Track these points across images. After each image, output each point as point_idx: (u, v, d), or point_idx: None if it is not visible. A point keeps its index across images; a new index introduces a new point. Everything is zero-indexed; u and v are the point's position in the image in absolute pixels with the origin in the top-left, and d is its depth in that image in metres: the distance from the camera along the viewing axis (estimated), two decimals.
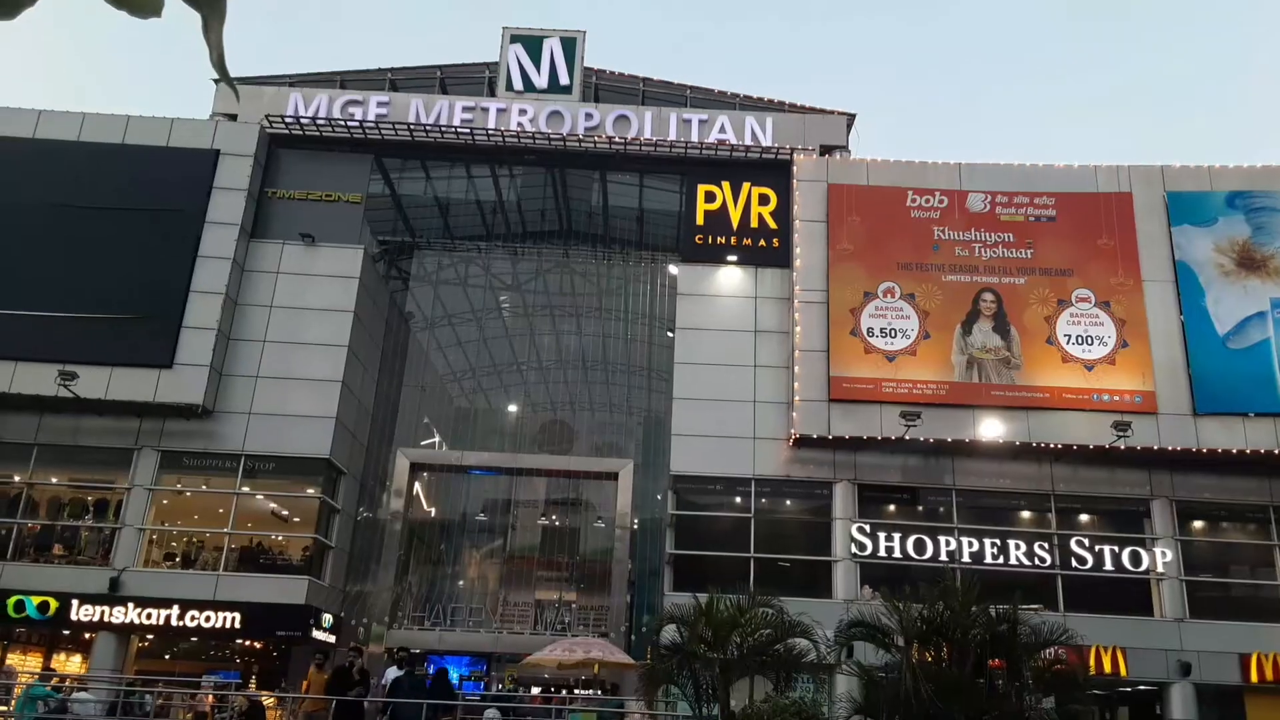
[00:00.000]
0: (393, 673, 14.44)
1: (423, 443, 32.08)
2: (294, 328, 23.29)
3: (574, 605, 28.77)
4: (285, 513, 23.76)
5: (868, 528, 22.31)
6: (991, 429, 22.19)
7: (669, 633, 14.36)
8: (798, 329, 23.17)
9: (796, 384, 22.70)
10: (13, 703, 17.30)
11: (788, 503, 23.91)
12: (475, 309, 36.36)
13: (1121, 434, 21.40)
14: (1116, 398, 22.34)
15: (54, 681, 18.48)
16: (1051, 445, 21.95)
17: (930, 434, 21.84)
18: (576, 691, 21.36)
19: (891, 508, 23.38)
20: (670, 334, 26.24)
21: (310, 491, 23.01)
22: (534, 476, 32.03)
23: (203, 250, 23.17)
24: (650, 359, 36.36)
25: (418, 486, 28.96)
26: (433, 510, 31.27)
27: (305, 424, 22.50)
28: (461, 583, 30.78)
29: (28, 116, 24.14)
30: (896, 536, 22.24)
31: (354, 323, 23.83)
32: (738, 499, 23.22)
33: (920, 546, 22.13)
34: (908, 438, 21.66)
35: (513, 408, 39.79)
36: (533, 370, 40.92)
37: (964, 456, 22.57)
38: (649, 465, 32.39)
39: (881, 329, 23.06)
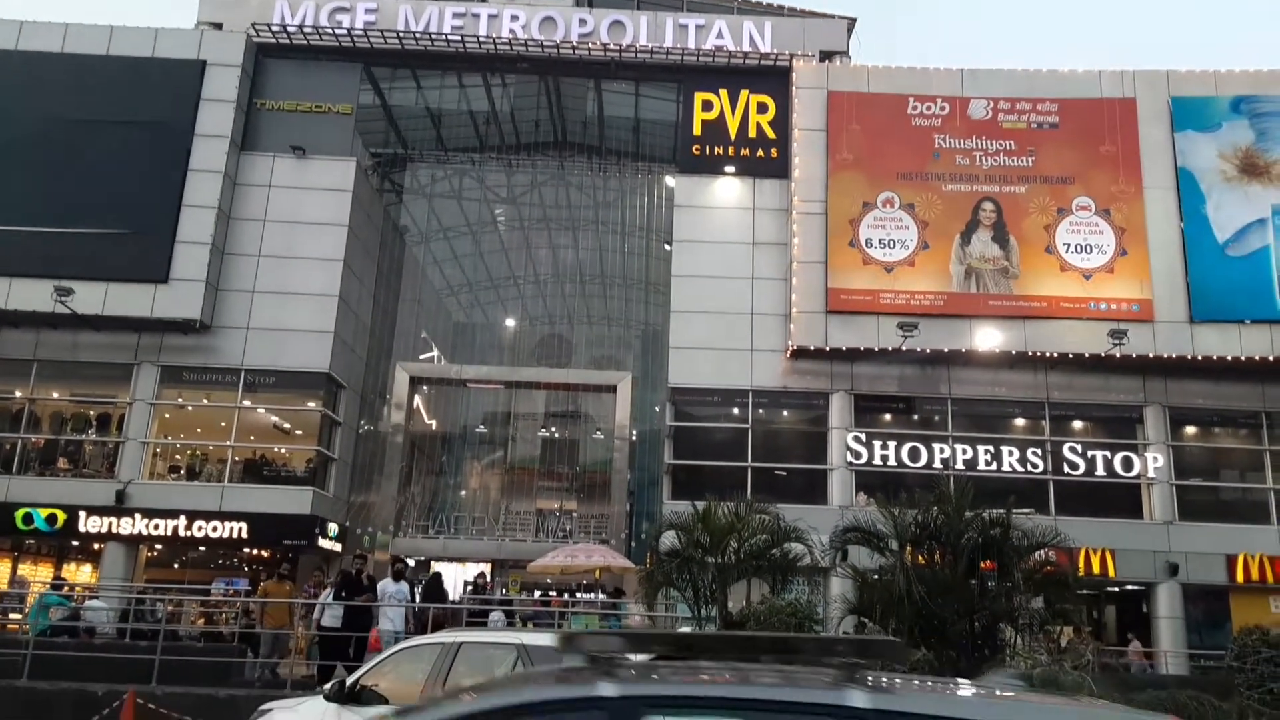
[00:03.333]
0: (388, 585, 14.73)
1: (421, 357, 32.20)
2: (288, 242, 23.13)
3: (574, 514, 29.31)
4: (287, 426, 24.00)
5: (863, 437, 22.59)
6: (988, 339, 22.29)
7: (668, 539, 14.67)
8: (796, 240, 23.04)
9: (794, 296, 22.69)
10: (26, 611, 17.74)
11: (785, 413, 24.14)
12: (470, 223, 36.06)
13: (1117, 342, 21.52)
14: (1113, 306, 22.39)
15: (65, 590, 18.91)
16: (1047, 354, 22.08)
17: (927, 344, 21.94)
18: (579, 595, 21.91)
19: (887, 417, 23.64)
20: (667, 246, 26.09)
21: (311, 405, 23.20)
22: (533, 390, 32.22)
23: (193, 164, 22.85)
24: (647, 272, 36.22)
25: (418, 400, 29.17)
26: (433, 423, 31.57)
27: (303, 338, 22.54)
28: (464, 493, 31.29)
29: (9, 28, 23.53)
30: (892, 445, 22.54)
31: (348, 237, 23.65)
32: (735, 410, 23.44)
33: (915, 454, 22.45)
34: (904, 348, 21.76)
35: (510, 322, 39.81)
36: (530, 284, 40.79)
37: (960, 366, 22.72)
38: (647, 378, 32.60)
39: (880, 240, 22.95)
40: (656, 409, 29.26)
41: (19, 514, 20.92)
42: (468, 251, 37.76)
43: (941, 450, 22.49)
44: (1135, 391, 22.74)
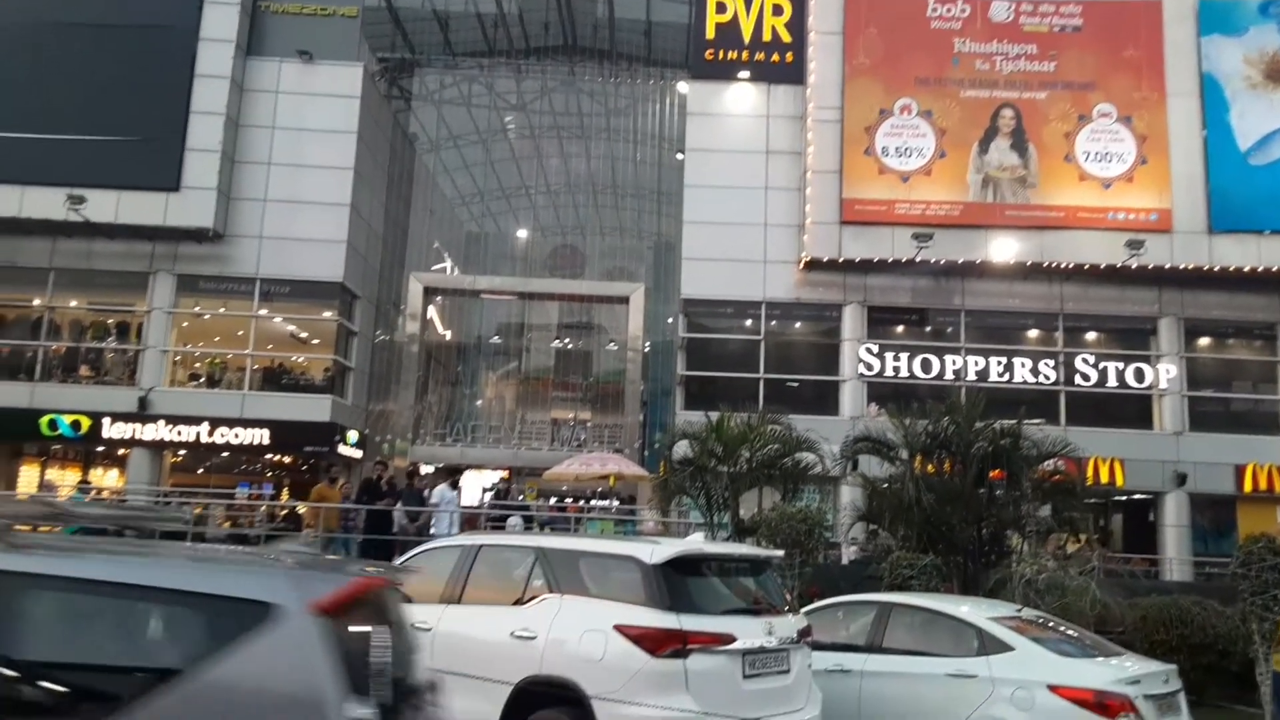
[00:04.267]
0: (445, 491, 14.99)
1: (434, 267, 32.20)
2: (298, 150, 22.92)
3: (589, 424, 29.70)
4: (304, 335, 24.22)
5: (876, 348, 22.65)
6: (1004, 249, 22.12)
7: (681, 448, 14.89)
8: (810, 149, 22.70)
9: (808, 206, 22.47)
10: None
11: (797, 325, 24.17)
12: (480, 130, 35.55)
13: (1135, 252, 21.34)
14: (1132, 216, 22.12)
15: (93, 494, 19.41)
16: (1063, 265, 21.93)
17: (942, 255, 21.79)
18: (594, 502, 22.38)
19: (900, 329, 23.65)
20: (680, 156, 25.75)
21: (326, 315, 23.36)
22: (546, 301, 32.28)
23: (199, 69, 22.51)
24: (660, 182, 35.83)
25: (432, 310, 29.29)
26: (448, 333, 31.76)
27: (316, 248, 22.53)
28: (480, 402, 31.69)
29: None
30: (904, 357, 22.61)
31: (358, 144, 23.41)
32: (748, 322, 23.47)
33: (927, 366, 22.54)
34: (919, 259, 21.63)
35: (522, 232, 39.60)
36: (541, 194, 40.44)
37: (974, 277, 22.61)
38: (660, 289, 32.57)
39: (896, 148, 22.59)
40: (669, 320, 29.32)
41: (44, 420, 21.33)
42: (478, 160, 37.33)
43: (954, 362, 22.57)
44: (1150, 303, 22.65)
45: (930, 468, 13.31)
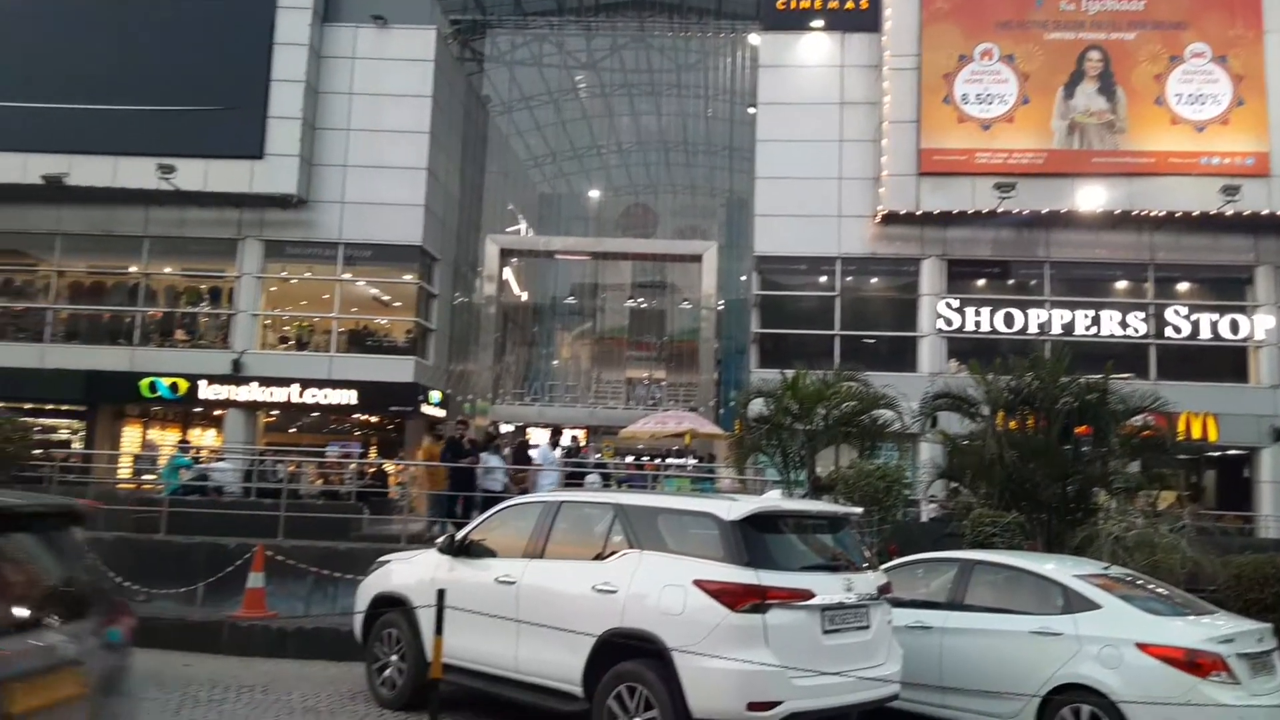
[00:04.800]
0: (547, 451, 15.20)
1: (509, 229, 32.55)
2: (375, 115, 23.29)
3: (663, 382, 29.89)
4: (386, 298, 24.81)
5: (955, 303, 22.22)
6: (1091, 198, 21.38)
7: (756, 406, 14.86)
8: (887, 99, 22.18)
9: (884, 158, 22.03)
10: (159, 472, 19.21)
11: (874, 280, 23.83)
12: (552, 90, 35.60)
13: (1230, 199, 20.43)
14: (1227, 160, 21.14)
15: (192, 453, 20.30)
16: (1153, 213, 21.13)
17: (1025, 205, 21.18)
18: (669, 460, 22.57)
19: (981, 282, 23.13)
20: (752, 110, 25.41)
21: (407, 278, 23.86)
22: (619, 260, 32.40)
23: (278, 37, 22.95)
24: (732, 137, 35.46)
25: (507, 271, 29.68)
26: (524, 294, 32.17)
27: (395, 212, 22.97)
28: (555, 362, 32.14)
29: None
30: (985, 311, 22.14)
31: (433, 108, 23.68)
32: (823, 278, 23.22)
33: (1010, 320, 22.04)
34: (1001, 210, 21.08)
35: (594, 192, 39.70)
36: (613, 153, 40.41)
37: (1059, 228, 21.94)
38: (732, 246, 32.40)
39: (977, 95, 21.93)
40: (743, 278, 29.19)
41: (144, 383, 22.35)
42: (550, 121, 37.44)
43: (1038, 315, 22.02)
44: (1246, 251, 21.69)
45: (1013, 424, 13.05)
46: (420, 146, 23.36)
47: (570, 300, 32.92)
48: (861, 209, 22.45)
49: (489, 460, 15.08)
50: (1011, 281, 23.01)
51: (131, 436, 24.39)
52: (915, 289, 22.64)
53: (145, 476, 20.79)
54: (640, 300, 32.76)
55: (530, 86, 34.89)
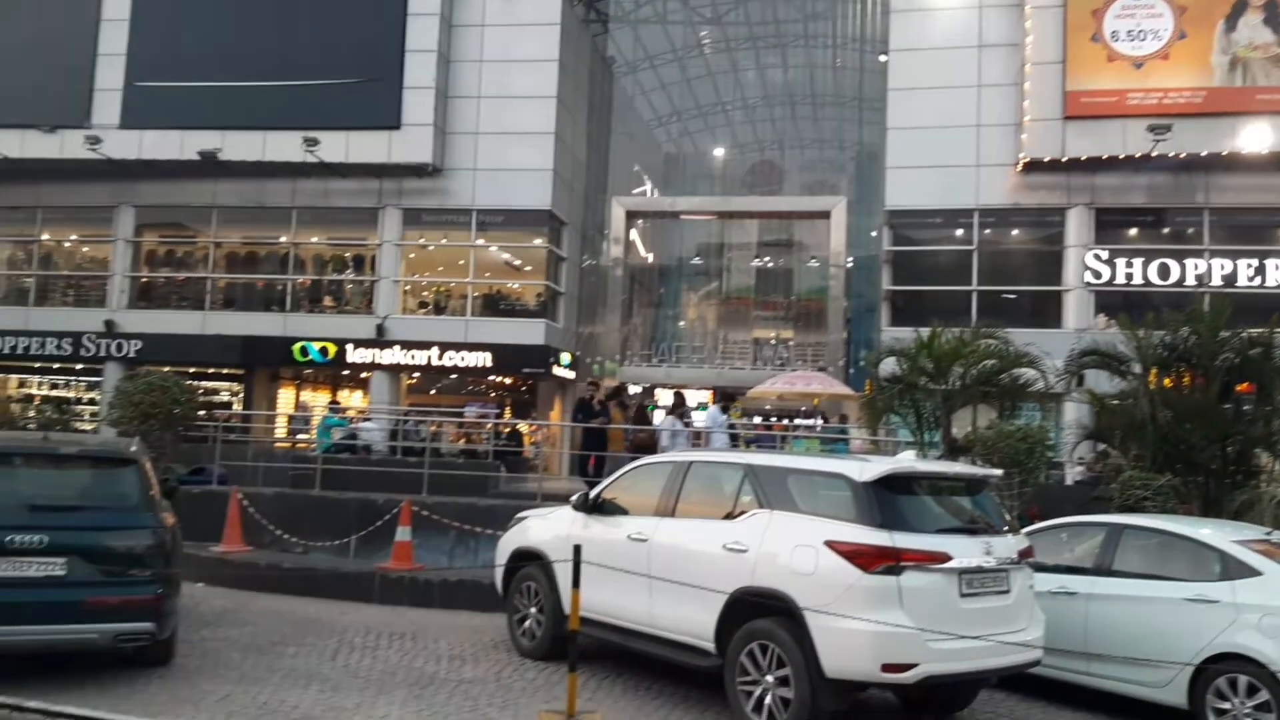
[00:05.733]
0: (716, 414, 15.23)
1: (634, 191, 32.66)
2: (504, 82, 23.70)
3: (791, 342, 29.52)
4: (518, 262, 25.41)
5: (1104, 254, 21.09)
6: (1255, 138, 19.82)
7: (888, 366, 14.56)
8: (1029, 39, 21.08)
9: (1027, 102, 21.00)
10: (312, 431, 20.39)
11: (1014, 232, 22.86)
12: (676, 48, 35.30)
13: None
14: None
15: (342, 413, 21.45)
16: None
17: (1181, 148, 19.83)
18: (798, 421, 22.38)
19: (1132, 232, 21.88)
20: (883, 58, 24.56)
21: (537, 242, 24.35)
22: (745, 219, 32.02)
23: (411, 8, 23.58)
24: (861, 88, 34.38)
25: (634, 233, 29.82)
26: (650, 256, 32.27)
27: (525, 177, 23.39)
28: (682, 323, 32.18)
29: None
30: (1137, 262, 20.94)
31: (560, 72, 23.90)
32: (959, 231, 22.42)
33: (1164, 271, 20.78)
34: (1155, 154, 19.83)
35: (720, 151, 39.29)
36: (738, 110, 39.84)
37: (1220, 171, 20.46)
38: (862, 201, 31.55)
39: (1128, 31, 20.58)
40: (873, 234, 28.42)
41: (296, 347, 23.69)
42: (674, 79, 37.17)
43: (1195, 266, 20.68)
44: None
45: (1167, 382, 12.40)
46: (548, 111, 23.65)
47: (696, 261, 32.78)
48: (1001, 157, 21.50)
49: (672, 424, 14.95)
50: (1166, 230, 21.66)
51: (285, 398, 25.95)
52: (1060, 240, 21.61)
53: (299, 436, 22.14)
54: (767, 259, 32.32)
55: (654, 45, 34.69)
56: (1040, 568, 6.99)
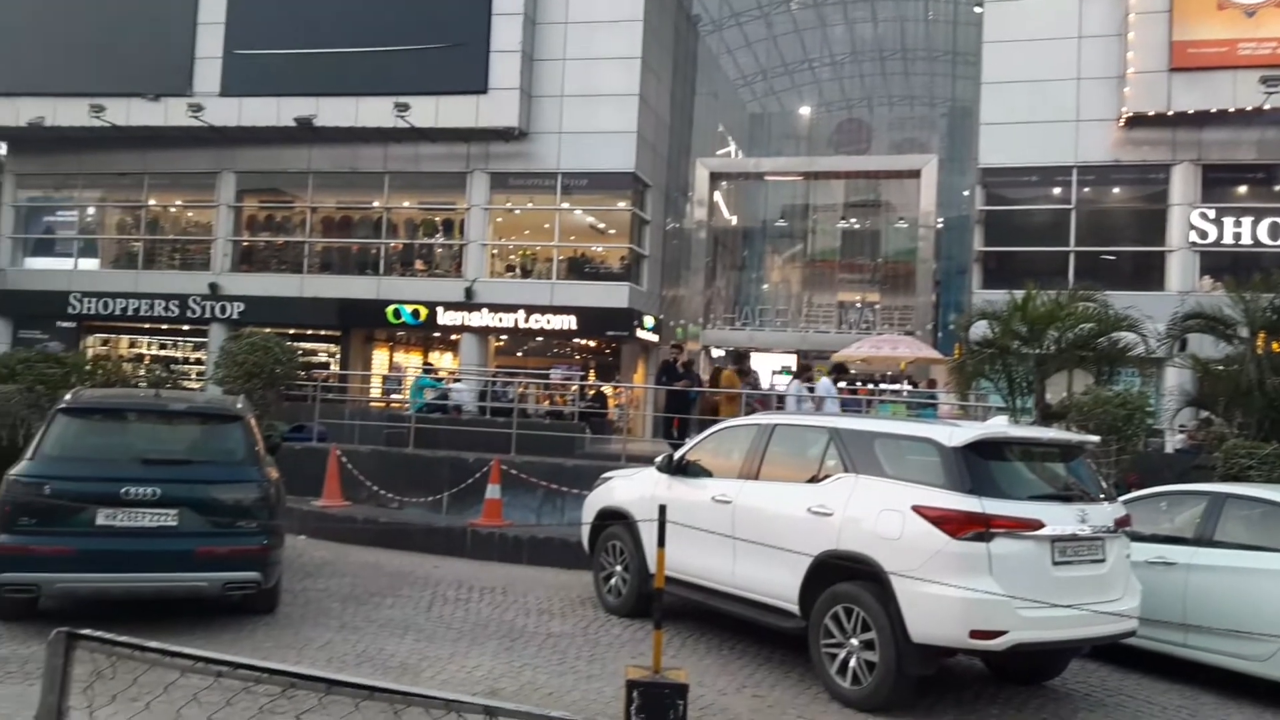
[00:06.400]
0: (828, 385, 15.21)
1: (719, 152, 32.38)
2: (588, 43, 23.62)
3: (877, 305, 29.07)
4: (602, 225, 25.49)
5: (1211, 213, 20.11)
6: None
7: (979, 329, 14.26)
8: None
9: (1130, 53, 20.03)
10: (405, 391, 20.97)
11: (1115, 190, 21.97)
12: (762, 4, 34.71)
13: None
14: None
15: (434, 375, 22.00)
16: None
17: None
18: (883, 386, 22.09)
19: (1242, 189, 20.81)
20: (978, 9, 23.69)
21: (621, 205, 24.37)
22: (831, 180, 31.50)
23: None
24: (955, 41, 33.31)
25: (717, 195, 29.62)
26: (733, 218, 32.03)
27: (609, 140, 23.37)
28: (765, 286, 31.95)
29: None
30: (1247, 221, 19.92)
31: (644, 32, 23.71)
32: (1056, 190, 21.65)
33: (1274, 231, 19.73)
34: (1268, 107, 18.73)
35: (806, 110, 38.63)
36: (825, 66, 39.02)
37: None
38: (954, 160, 30.72)
39: None
40: (965, 193, 27.69)
41: (389, 310, 24.31)
42: (760, 37, 36.57)
43: None
44: None
45: (1276, 346, 11.86)
46: (632, 72, 23.53)
47: (780, 222, 32.40)
48: (1102, 112, 20.62)
49: (798, 389, 14.90)
50: (1278, 188, 20.50)
51: (379, 359, 26.71)
52: (1164, 198, 20.68)
53: (393, 396, 22.78)
54: (853, 220, 31.76)
55: (740, 2, 34.13)
56: (1137, 537, 6.82)
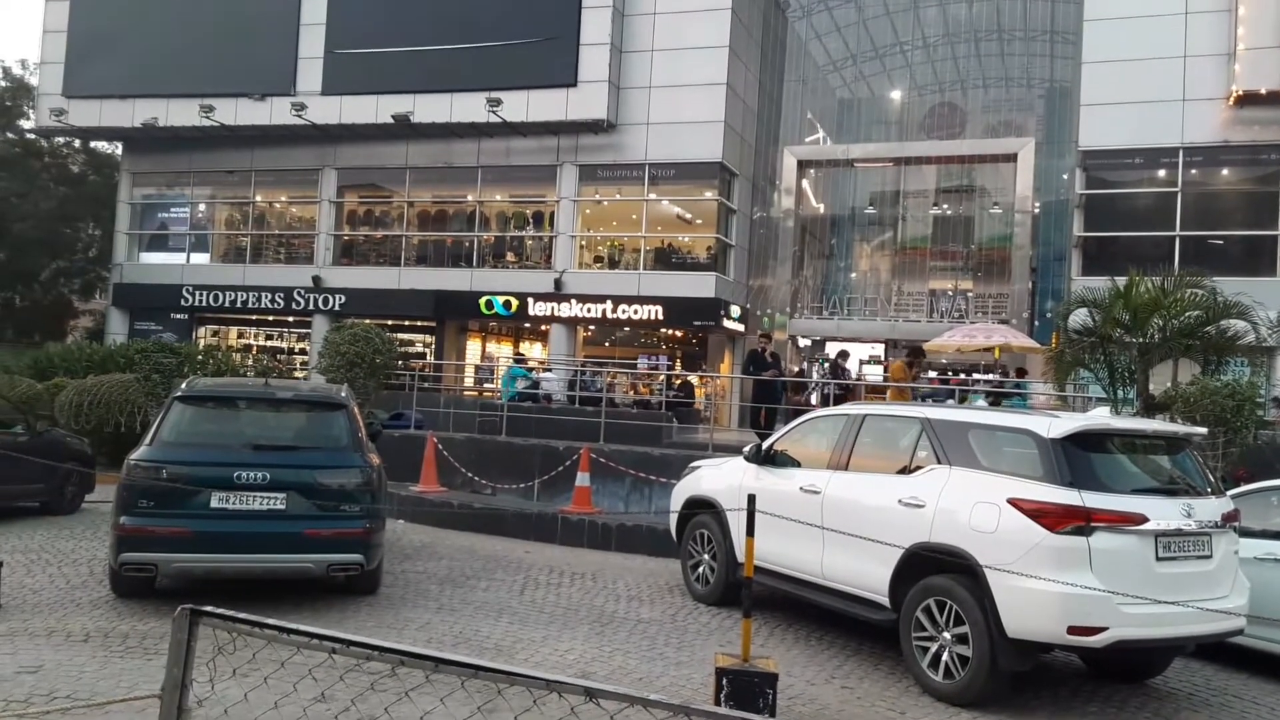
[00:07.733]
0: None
1: (807, 139, 31.97)
2: (676, 33, 23.64)
3: (970, 293, 28.35)
4: (688, 215, 25.53)
5: None
6: None
7: (1078, 317, 13.82)
8: None
9: (1241, 28, 19.12)
10: (497, 380, 21.42)
11: (1224, 172, 21.00)
12: None
13: None
14: None
15: (525, 364, 22.40)
16: None
17: None
18: (975, 376, 21.58)
19: None
20: None
21: (708, 194, 24.36)
22: (922, 165, 30.79)
23: None
24: (1053, 20, 32.16)
25: (805, 183, 29.29)
26: (821, 206, 31.62)
27: (696, 130, 23.38)
28: (854, 275, 31.45)
29: None
30: None
31: (732, 20, 23.62)
32: (1160, 172, 20.81)
33: None
34: None
35: (896, 94, 37.77)
36: (917, 49, 38.07)
37: None
38: (1052, 142, 29.71)
39: None
40: (1064, 176, 26.79)
41: (481, 301, 24.84)
42: (850, 21, 35.89)
43: None
44: None
45: None
46: (719, 61, 23.47)
47: (869, 210, 31.81)
48: (1210, 91, 19.72)
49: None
50: None
51: (473, 349, 27.32)
52: (1277, 180, 19.74)
53: (485, 385, 23.29)
54: (945, 206, 30.99)
55: None
56: (1246, 533, 6.59)
